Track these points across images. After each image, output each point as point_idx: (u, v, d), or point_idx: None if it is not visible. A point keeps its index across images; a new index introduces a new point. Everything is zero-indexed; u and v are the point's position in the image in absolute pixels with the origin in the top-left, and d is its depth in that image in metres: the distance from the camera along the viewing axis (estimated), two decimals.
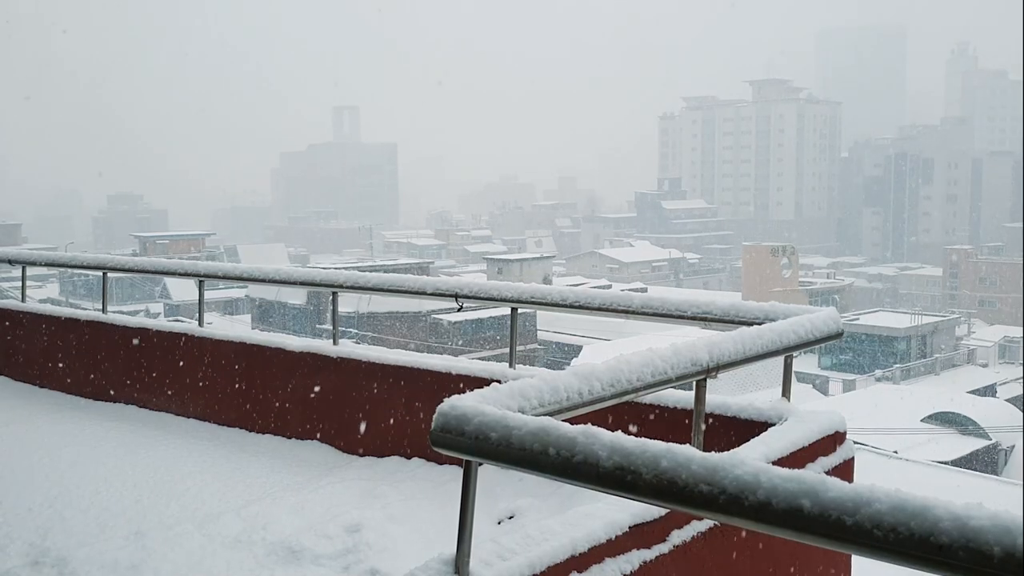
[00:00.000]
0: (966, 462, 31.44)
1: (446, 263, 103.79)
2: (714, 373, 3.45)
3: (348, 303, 42.98)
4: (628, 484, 1.98)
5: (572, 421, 2.29)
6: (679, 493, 1.91)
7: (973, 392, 42.50)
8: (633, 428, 4.46)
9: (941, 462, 29.09)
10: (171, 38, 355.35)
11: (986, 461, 33.30)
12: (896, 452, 28.72)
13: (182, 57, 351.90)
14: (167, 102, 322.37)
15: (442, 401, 2.40)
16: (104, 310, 8.08)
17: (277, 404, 6.54)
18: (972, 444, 33.58)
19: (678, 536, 3.09)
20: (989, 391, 45.92)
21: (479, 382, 5.33)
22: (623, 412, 4.50)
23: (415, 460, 5.74)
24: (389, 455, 5.88)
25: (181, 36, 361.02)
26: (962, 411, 35.24)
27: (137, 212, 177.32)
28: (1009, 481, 27.39)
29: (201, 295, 7.34)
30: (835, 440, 4.11)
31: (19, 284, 9.11)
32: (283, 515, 5.03)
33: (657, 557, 2.99)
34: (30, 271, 9.24)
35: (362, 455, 6.01)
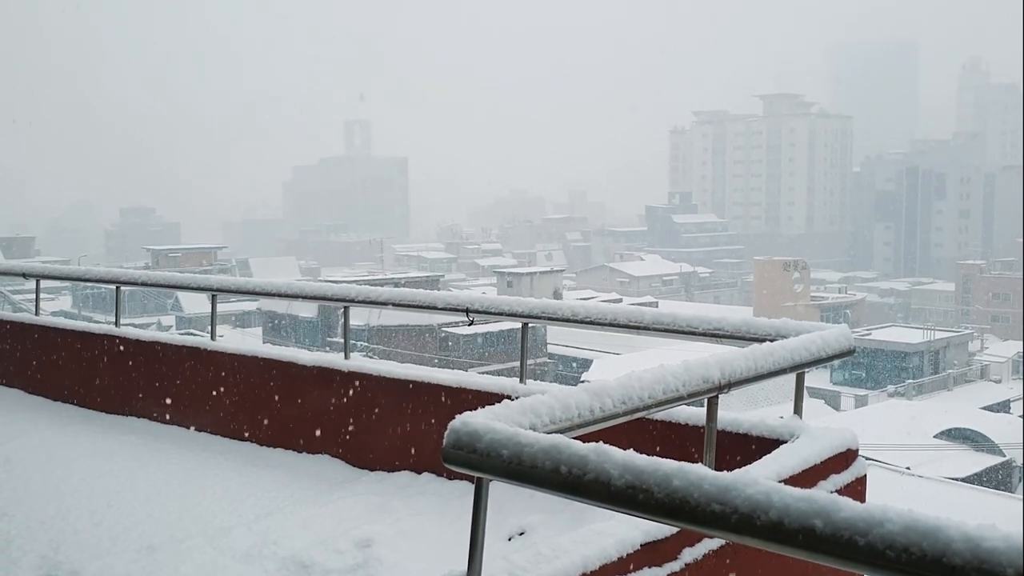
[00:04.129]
0: (980, 479, 31.22)
1: (456, 276, 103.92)
2: (726, 390, 3.44)
3: (359, 316, 43.03)
4: (640, 503, 1.98)
5: (583, 438, 2.30)
6: (691, 512, 1.91)
7: (986, 408, 42.22)
8: (644, 445, 4.45)
9: (954, 479, 28.87)
10: (184, 52, 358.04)
11: (1000, 478, 33.05)
12: (909, 468, 28.52)
13: (195, 71, 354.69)
14: (180, 115, 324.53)
15: (452, 416, 2.41)
16: (117, 323, 8.13)
17: (288, 418, 6.55)
18: (986, 461, 33.35)
19: (689, 554, 3.08)
20: (1003, 407, 45.60)
21: (490, 397, 5.33)
22: (634, 429, 4.49)
23: (425, 475, 5.74)
24: (399, 470, 5.88)
25: (194, 50, 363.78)
26: (975, 427, 35.01)
27: (149, 225, 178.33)
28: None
29: (214, 309, 7.37)
30: (847, 457, 4.11)
31: (33, 297, 9.18)
32: (294, 529, 5.03)
33: (668, 575, 2.99)
34: (43, 284, 9.30)
35: (372, 469, 6.01)
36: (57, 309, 59.25)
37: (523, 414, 2.53)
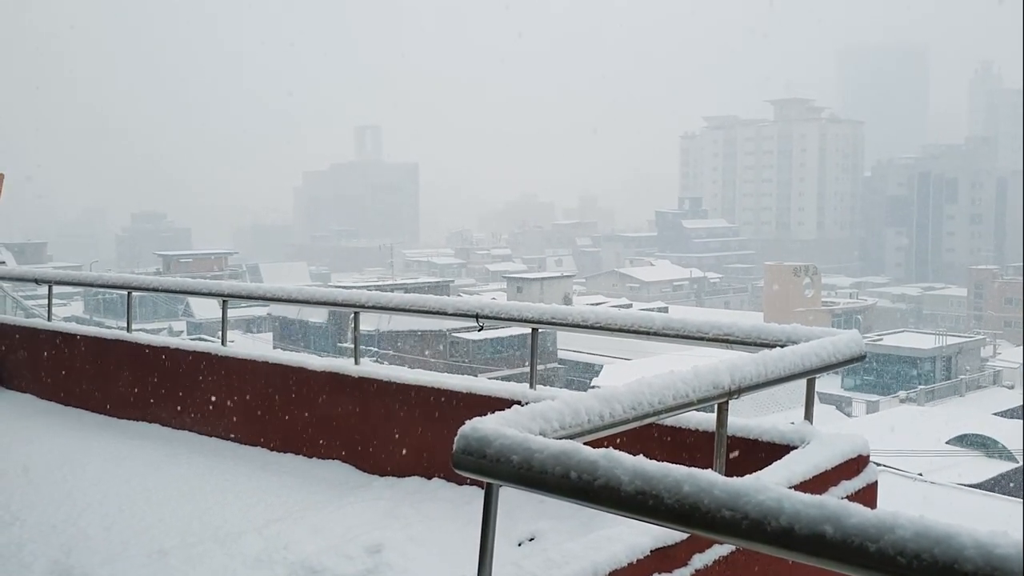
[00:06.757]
0: (992, 485, 31.03)
1: (466, 282, 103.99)
2: (736, 396, 3.44)
3: (369, 321, 43.07)
4: (650, 509, 1.98)
5: (593, 444, 2.30)
6: (701, 518, 1.91)
7: (999, 414, 41.97)
8: (654, 451, 4.45)
9: (966, 485, 28.71)
10: (195, 58, 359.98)
11: (1013, 484, 32.84)
12: (920, 474, 28.38)
13: (206, 77, 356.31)
14: (191, 121, 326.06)
15: (462, 422, 2.41)
16: (128, 329, 8.16)
17: (299, 423, 6.57)
18: (998, 467, 33.15)
19: (699, 560, 3.08)
20: (1015, 413, 45.31)
21: (499, 403, 5.33)
22: (644, 435, 4.49)
23: (436, 480, 5.74)
24: (410, 475, 5.89)
25: (205, 56, 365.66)
26: (988, 433, 34.82)
27: (160, 231, 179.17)
28: None
29: (224, 314, 7.40)
30: (858, 463, 4.09)
31: (45, 302, 9.23)
32: (304, 535, 5.04)
33: None
34: (55, 289, 9.35)
35: (383, 475, 6.01)
36: (69, 314, 59.59)
37: (533, 420, 2.53)
